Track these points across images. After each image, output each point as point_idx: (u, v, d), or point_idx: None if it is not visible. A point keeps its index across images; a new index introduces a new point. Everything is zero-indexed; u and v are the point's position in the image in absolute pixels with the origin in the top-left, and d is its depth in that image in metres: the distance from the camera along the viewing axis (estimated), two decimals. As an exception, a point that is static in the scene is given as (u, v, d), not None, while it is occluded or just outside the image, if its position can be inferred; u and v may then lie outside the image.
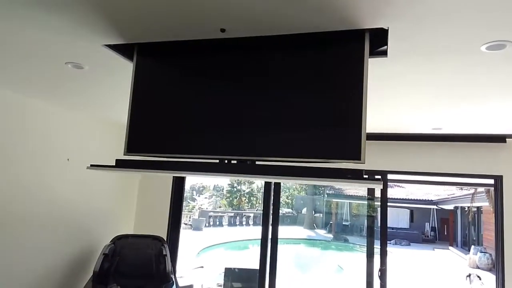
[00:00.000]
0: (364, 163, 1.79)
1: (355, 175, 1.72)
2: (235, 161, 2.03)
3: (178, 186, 5.44)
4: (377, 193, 4.76)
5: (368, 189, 4.92)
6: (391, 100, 3.05)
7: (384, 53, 2.04)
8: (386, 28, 1.80)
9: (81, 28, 2.03)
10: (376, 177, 1.73)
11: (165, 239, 5.01)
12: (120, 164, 2.11)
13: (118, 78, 2.87)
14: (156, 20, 1.89)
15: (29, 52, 2.46)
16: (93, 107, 4.07)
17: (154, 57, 2.26)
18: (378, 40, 1.91)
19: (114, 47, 2.27)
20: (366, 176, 1.71)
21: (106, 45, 2.24)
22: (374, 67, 2.18)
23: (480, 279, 9.80)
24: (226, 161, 2.05)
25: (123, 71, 2.65)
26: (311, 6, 1.66)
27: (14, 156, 3.65)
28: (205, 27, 1.93)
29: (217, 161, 2.06)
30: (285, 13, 1.73)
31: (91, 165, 2.19)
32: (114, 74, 2.80)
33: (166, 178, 5.37)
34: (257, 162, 2.01)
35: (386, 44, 1.95)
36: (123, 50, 2.30)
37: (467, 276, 10.23)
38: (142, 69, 2.27)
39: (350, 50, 1.89)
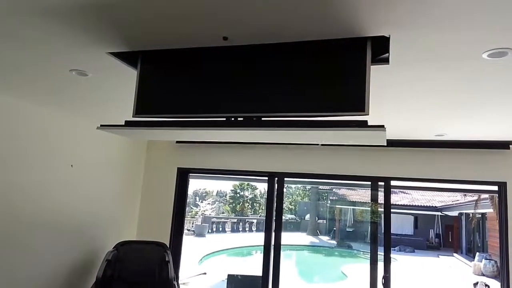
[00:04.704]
0: (368, 115, 1.80)
1: (359, 124, 1.75)
2: (241, 118, 2.09)
3: (181, 191, 5.45)
4: (381, 200, 4.74)
5: (372, 194, 4.90)
6: (394, 107, 3.05)
7: (386, 61, 2.06)
8: (388, 36, 1.81)
9: (85, 36, 2.06)
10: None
11: (168, 246, 5.01)
12: (130, 124, 2.24)
13: (122, 86, 2.90)
14: (160, 28, 1.91)
15: (34, 60, 2.49)
16: (97, 113, 4.09)
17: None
18: (380, 47, 1.92)
19: (118, 55, 2.29)
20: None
21: (110, 53, 2.27)
22: (376, 74, 2.19)
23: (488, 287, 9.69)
24: (232, 119, 2.11)
25: (127, 79, 2.67)
26: (315, 16, 1.67)
27: (18, 161, 3.68)
28: (208, 35, 1.95)
29: (224, 119, 2.12)
30: (289, 22, 1.75)
31: (101, 125, 2.35)
32: (118, 81, 2.82)
33: (169, 183, 5.38)
34: (263, 119, 2.07)
35: (388, 52, 1.96)
36: (127, 57, 2.32)
37: (475, 284, 10.11)
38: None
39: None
